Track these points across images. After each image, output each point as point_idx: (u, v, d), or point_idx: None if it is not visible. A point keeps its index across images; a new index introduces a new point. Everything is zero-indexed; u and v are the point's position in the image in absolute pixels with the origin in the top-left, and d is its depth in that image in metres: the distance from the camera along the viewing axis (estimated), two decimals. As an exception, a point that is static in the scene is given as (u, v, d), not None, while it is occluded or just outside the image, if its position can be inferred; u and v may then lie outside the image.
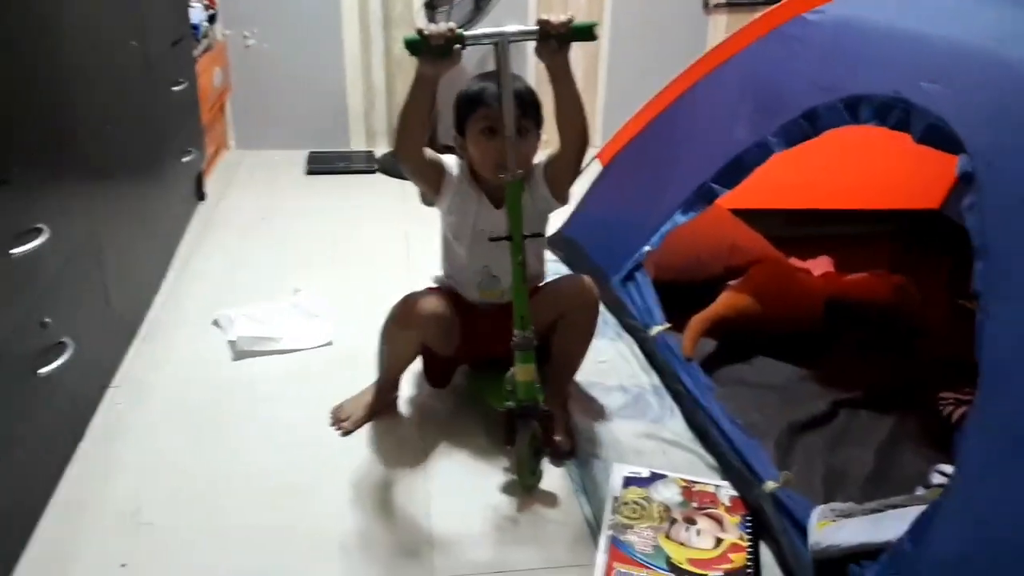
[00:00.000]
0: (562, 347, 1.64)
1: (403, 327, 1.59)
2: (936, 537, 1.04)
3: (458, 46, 1.32)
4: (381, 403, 1.70)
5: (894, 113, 1.37)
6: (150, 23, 2.12)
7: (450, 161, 1.58)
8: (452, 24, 1.31)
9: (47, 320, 1.37)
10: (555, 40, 1.32)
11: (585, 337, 1.67)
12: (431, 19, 2.90)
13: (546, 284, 1.69)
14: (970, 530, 1.01)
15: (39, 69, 1.42)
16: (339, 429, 1.65)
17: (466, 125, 1.51)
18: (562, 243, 2.35)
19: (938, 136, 1.27)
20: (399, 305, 1.60)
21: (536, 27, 1.32)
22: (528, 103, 1.48)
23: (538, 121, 1.52)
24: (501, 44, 1.33)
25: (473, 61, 2.81)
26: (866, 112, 1.43)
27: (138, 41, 2.03)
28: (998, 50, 1.28)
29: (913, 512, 1.12)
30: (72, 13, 1.59)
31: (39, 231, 1.33)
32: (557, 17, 1.30)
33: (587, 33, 1.32)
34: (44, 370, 1.34)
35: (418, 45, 1.30)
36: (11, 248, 1.25)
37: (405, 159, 1.52)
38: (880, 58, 1.47)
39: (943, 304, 2.04)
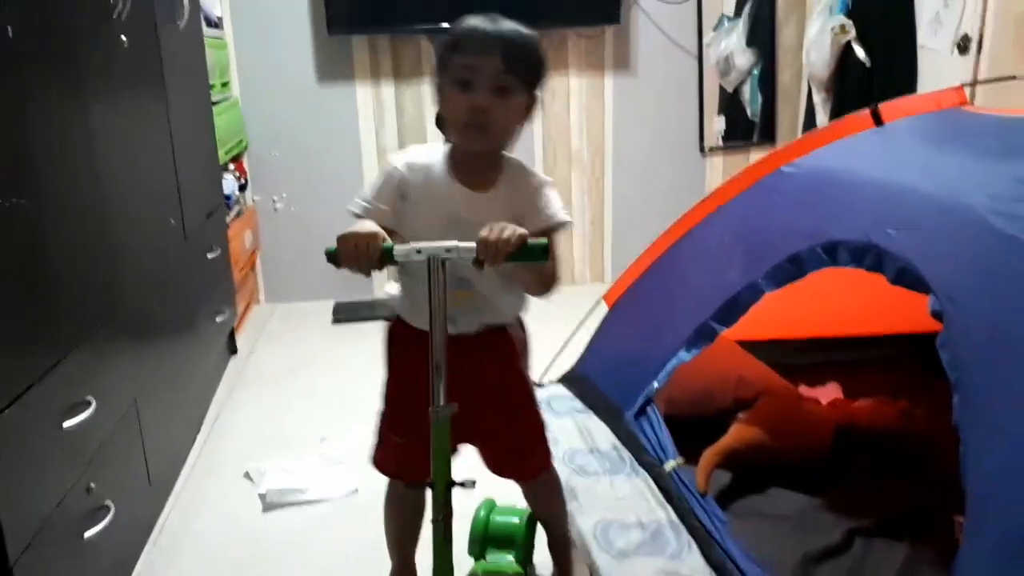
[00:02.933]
0: (541, 513, 1.64)
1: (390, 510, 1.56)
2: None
3: (380, 266, 1.15)
4: None
5: (868, 257, 1.49)
6: (187, 199, 2.33)
7: (407, 165, 1.33)
8: (378, 239, 1.14)
9: (92, 485, 1.47)
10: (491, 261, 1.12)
11: (556, 497, 1.65)
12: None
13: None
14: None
15: (92, 254, 1.60)
16: None
17: (444, 70, 1.26)
18: (576, 380, 2.44)
19: (909, 278, 1.38)
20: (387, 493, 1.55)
21: (474, 244, 1.13)
22: (516, 56, 1.22)
23: (529, 80, 1.25)
24: (433, 262, 1.15)
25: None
26: (843, 256, 1.55)
27: (176, 218, 2.23)
28: (957, 197, 1.41)
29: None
30: (121, 201, 1.79)
31: (88, 404, 1.45)
32: (497, 236, 1.11)
33: (530, 255, 1.13)
34: (89, 533, 1.43)
35: (336, 257, 1.14)
36: (64, 421, 1.37)
37: None
38: (850, 206, 1.60)
39: (949, 427, 2.08)
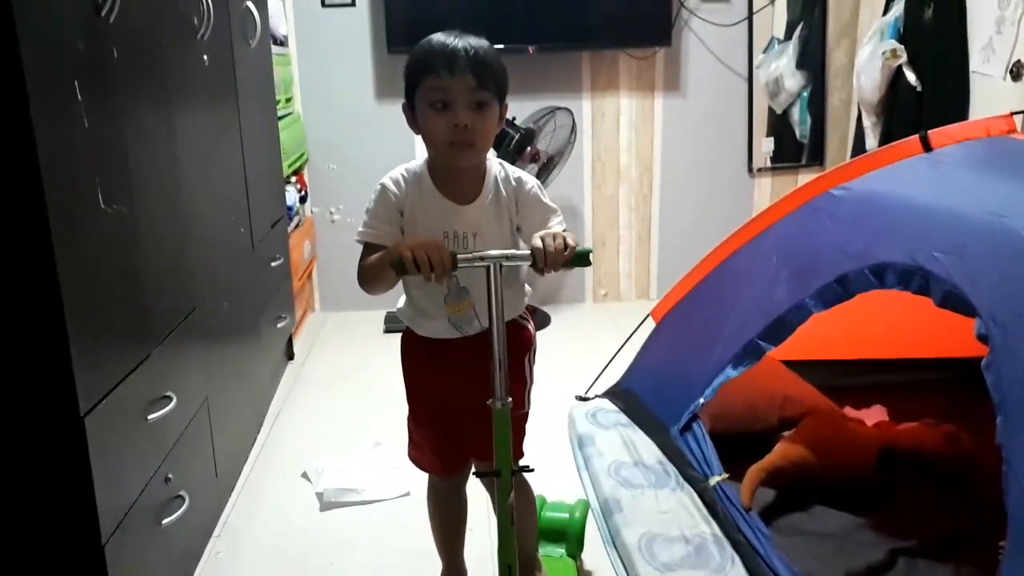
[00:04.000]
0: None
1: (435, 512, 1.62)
2: None
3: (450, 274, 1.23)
4: None
5: (915, 280, 1.53)
6: (255, 209, 2.45)
7: (396, 182, 1.38)
8: (445, 247, 1.22)
9: (170, 476, 1.57)
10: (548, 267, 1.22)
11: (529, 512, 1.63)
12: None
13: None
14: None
15: (173, 257, 1.71)
16: None
17: (415, 95, 1.31)
18: (621, 394, 2.50)
19: (955, 301, 1.42)
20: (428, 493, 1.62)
21: (529, 251, 1.24)
22: (485, 70, 1.27)
23: (499, 91, 1.30)
24: (494, 268, 1.25)
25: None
26: (891, 279, 1.59)
27: (245, 227, 2.35)
28: (1003, 221, 1.44)
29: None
30: (199, 210, 1.90)
31: (169, 399, 1.56)
32: (552, 245, 1.21)
33: (581, 261, 1.24)
34: (166, 521, 1.53)
35: (402, 269, 1.21)
36: (148, 415, 1.48)
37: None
38: (898, 230, 1.64)
39: (995, 452, 2.09)
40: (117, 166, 1.42)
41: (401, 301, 1.49)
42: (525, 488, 1.59)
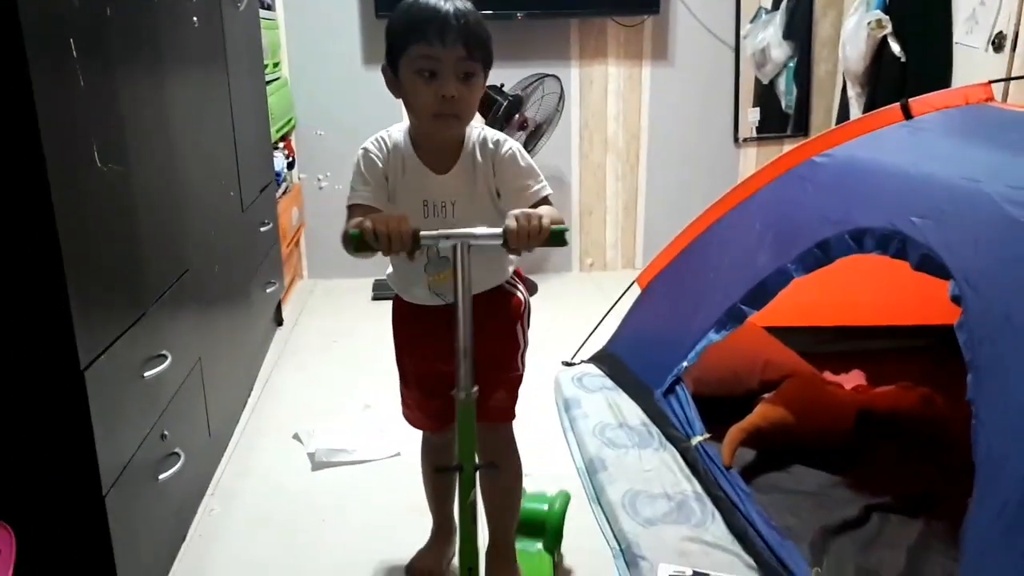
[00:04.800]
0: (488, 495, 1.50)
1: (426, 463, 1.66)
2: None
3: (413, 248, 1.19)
4: (449, 546, 1.70)
5: (893, 244, 1.57)
6: (245, 173, 2.46)
7: (378, 147, 1.36)
8: (408, 223, 1.17)
9: (166, 433, 1.61)
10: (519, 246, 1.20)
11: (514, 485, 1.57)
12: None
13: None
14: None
15: (167, 218, 1.73)
16: None
17: (399, 60, 1.27)
18: (607, 359, 2.54)
19: (931, 264, 1.47)
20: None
21: (499, 231, 1.19)
22: (476, 41, 1.25)
23: (487, 61, 1.28)
24: (461, 248, 1.21)
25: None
26: (869, 243, 1.64)
27: (235, 190, 2.36)
28: (978, 187, 1.48)
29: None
30: (191, 171, 1.91)
31: (164, 357, 1.58)
32: (527, 227, 1.17)
33: (557, 240, 1.20)
34: (163, 476, 1.57)
35: (362, 243, 1.18)
36: (144, 372, 1.51)
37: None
38: (877, 195, 1.68)
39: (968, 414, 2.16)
40: (113, 125, 1.43)
41: (389, 268, 1.49)
42: (511, 458, 1.53)
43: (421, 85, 1.25)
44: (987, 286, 1.33)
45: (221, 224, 2.18)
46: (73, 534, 1.33)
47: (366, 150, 1.37)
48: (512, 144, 1.38)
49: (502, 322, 1.48)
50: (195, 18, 1.98)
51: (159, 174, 1.68)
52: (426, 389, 1.54)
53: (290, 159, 3.43)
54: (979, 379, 1.27)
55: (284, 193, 3.28)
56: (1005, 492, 1.16)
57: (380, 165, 1.35)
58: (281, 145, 3.30)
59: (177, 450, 1.65)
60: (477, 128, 1.39)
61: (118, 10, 1.45)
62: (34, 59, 1.14)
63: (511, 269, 1.51)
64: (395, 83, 1.30)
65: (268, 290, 2.72)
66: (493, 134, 1.39)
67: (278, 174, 3.09)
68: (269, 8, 3.23)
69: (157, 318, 1.59)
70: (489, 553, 1.55)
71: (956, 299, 1.37)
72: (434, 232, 1.20)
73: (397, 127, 1.39)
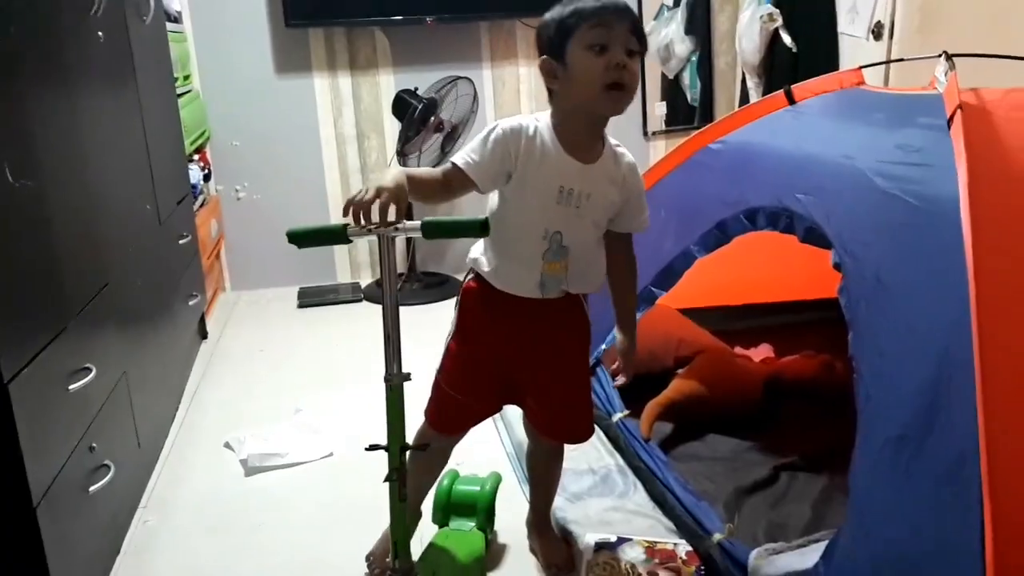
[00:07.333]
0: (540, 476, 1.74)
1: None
2: (838, 555, 1.29)
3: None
4: (413, 524, 1.69)
5: (782, 220, 1.71)
6: (160, 186, 2.46)
7: (517, 131, 1.39)
8: (384, 205, 1.20)
9: (94, 445, 1.62)
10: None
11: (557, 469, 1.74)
12: (403, 164, 3.28)
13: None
14: (860, 543, 1.26)
15: (84, 233, 1.73)
16: None
17: (567, 43, 1.33)
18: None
19: (815, 236, 1.60)
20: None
21: (418, 223, 1.25)
22: (637, 25, 1.35)
23: (644, 48, 1.37)
24: (384, 238, 1.26)
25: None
26: (761, 221, 1.77)
27: (151, 204, 2.36)
28: (852, 163, 1.62)
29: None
30: (106, 186, 1.92)
31: (88, 370, 1.59)
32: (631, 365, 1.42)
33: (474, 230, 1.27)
34: (93, 488, 1.58)
35: (300, 238, 1.28)
36: (68, 385, 1.52)
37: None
38: (766, 176, 1.82)
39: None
40: (22, 142, 1.44)
41: (479, 247, 1.48)
42: (561, 448, 1.68)
43: (592, 58, 1.31)
44: (862, 252, 1.46)
45: (139, 238, 2.18)
46: (5, 548, 1.34)
47: (501, 129, 1.39)
48: (634, 165, 1.49)
49: (576, 336, 1.56)
50: (100, 33, 1.98)
51: (73, 189, 1.69)
52: (473, 388, 1.52)
53: (206, 171, 3.42)
54: (858, 336, 1.40)
55: (202, 205, 3.26)
56: (884, 431, 1.28)
57: (508, 147, 1.38)
58: (196, 157, 3.28)
59: (107, 462, 1.66)
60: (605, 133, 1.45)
61: (22, 28, 1.46)
62: (-62, 78, 1.15)
63: (603, 280, 1.56)
64: (557, 69, 1.36)
65: (191, 303, 2.72)
66: (622, 148, 1.48)
67: (194, 186, 3.08)
68: (176, 21, 3.22)
69: (79, 332, 1.60)
70: (539, 520, 1.75)
71: (837, 266, 1.51)
72: (402, 223, 1.23)
73: (540, 115, 1.43)
